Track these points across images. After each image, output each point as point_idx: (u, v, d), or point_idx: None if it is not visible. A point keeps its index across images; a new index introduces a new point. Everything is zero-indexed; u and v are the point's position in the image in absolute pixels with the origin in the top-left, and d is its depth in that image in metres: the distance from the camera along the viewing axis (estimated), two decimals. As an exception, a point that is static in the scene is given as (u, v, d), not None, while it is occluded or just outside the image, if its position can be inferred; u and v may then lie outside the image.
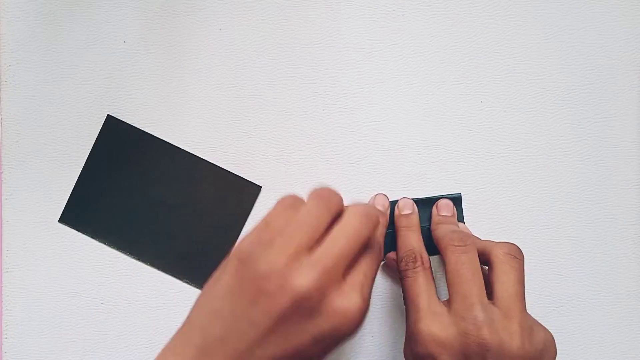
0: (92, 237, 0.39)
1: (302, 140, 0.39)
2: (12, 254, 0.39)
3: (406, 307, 0.33)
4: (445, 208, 0.37)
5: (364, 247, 0.29)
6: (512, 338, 0.29)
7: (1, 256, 0.39)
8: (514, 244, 0.33)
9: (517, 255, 0.32)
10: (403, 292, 0.33)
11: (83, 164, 0.39)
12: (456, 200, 0.38)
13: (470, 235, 0.33)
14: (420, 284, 0.32)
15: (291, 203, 0.30)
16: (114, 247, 0.39)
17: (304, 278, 0.26)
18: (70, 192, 0.39)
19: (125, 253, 0.39)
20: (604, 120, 0.38)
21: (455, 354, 0.29)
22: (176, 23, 0.39)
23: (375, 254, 0.30)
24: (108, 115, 0.39)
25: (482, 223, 0.38)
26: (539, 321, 0.31)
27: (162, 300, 0.38)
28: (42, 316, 0.39)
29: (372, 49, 0.39)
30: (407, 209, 0.37)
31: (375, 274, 0.30)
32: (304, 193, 0.38)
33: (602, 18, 0.39)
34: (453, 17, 0.39)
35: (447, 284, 0.31)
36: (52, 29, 0.39)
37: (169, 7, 0.39)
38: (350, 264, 0.28)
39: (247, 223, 0.38)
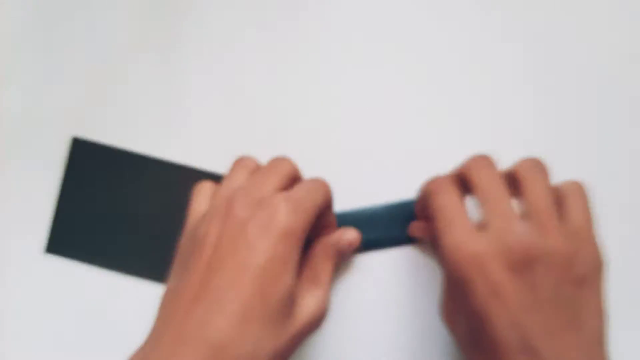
0: (82, 262, 0.39)
1: (302, 140, 0.39)
2: (12, 254, 0.39)
3: (439, 228, 0.30)
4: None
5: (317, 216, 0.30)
6: (556, 241, 0.28)
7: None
8: (534, 158, 0.32)
9: (539, 166, 0.31)
10: (433, 217, 0.31)
11: (58, 190, 0.39)
12: None
13: (490, 157, 0.32)
14: (452, 202, 0.30)
15: (203, 187, 0.33)
16: (105, 268, 0.39)
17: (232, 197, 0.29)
18: (42, 246, 0.39)
19: (119, 271, 0.39)
20: (604, 120, 0.38)
21: (504, 268, 0.27)
22: (176, 23, 0.39)
23: (312, 181, 0.31)
24: (74, 138, 0.39)
25: (482, 223, 0.38)
26: None
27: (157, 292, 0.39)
28: (42, 316, 0.39)
29: (372, 49, 0.39)
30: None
31: (316, 199, 0.30)
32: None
33: (603, 17, 0.39)
34: (453, 17, 0.39)
35: (480, 202, 0.30)
36: (52, 28, 0.39)
37: (168, 7, 0.39)
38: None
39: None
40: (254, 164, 0.32)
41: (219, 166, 0.39)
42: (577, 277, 0.28)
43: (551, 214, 0.29)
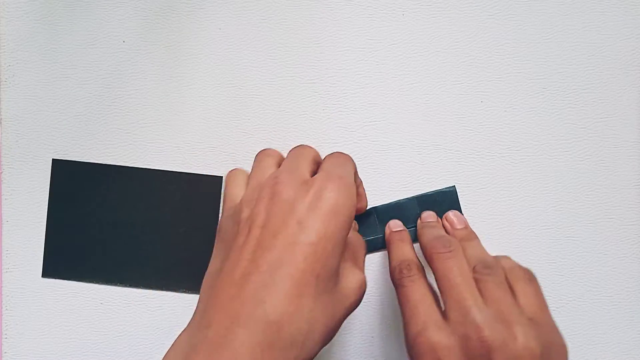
0: (79, 281, 0.38)
1: (302, 140, 0.39)
2: (12, 254, 0.39)
3: (404, 317, 0.31)
4: (428, 217, 0.37)
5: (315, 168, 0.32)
6: (514, 336, 0.28)
7: (1, 256, 0.39)
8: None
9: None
10: (400, 302, 0.32)
11: (46, 213, 0.39)
12: (451, 194, 0.38)
13: (453, 240, 0.32)
14: (418, 293, 0.31)
15: (235, 173, 0.36)
16: (102, 283, 0.38)
17: (270, 179, 0.30)
18: (43, 247, 0.39)
19: (115, 284, 0.38)
20: (604, 120, 0.38)
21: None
22: (176, 23, 0.39)
23: (339, 155, 0.33)
24: (53, 159, 0.39)
25: (482, 223, 0.38)
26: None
27: (162, 300, 0.38)
28: (42, 316, 0.39)
29: (372, 49, 0.39)
30: (398, 227, 0.37)
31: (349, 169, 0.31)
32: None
33: (602, 18, 0.39)
34: (453, 17, 0.39)
35: (440, 292, 0.31)
36: (52, 29, 0.39)
37: (169, 7, 0.39)
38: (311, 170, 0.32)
39: (220, 215, 0.38)
40: (279, 154, 0.34)
41: (209, 169, 0.39)
42: None
43: (510, 305, 0.29)
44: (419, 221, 0.37)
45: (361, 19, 0.39)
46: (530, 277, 0.31)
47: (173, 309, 0.38)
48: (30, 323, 0.39)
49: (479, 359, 0.27)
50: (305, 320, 0.26)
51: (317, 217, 0.27)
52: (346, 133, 0.39)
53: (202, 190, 0.38)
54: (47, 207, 0.39)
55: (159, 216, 0.38)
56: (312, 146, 0.33)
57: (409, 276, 0.32)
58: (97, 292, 0.39)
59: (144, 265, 0.38)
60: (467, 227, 0.36)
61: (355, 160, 0.38)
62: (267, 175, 0.31)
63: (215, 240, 0.31)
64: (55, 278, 0.39)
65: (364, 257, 0.33)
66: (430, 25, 0.39)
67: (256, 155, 0.35)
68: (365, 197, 0.36)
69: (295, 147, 0.33)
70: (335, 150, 0.33)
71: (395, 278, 0.32)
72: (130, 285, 0.38)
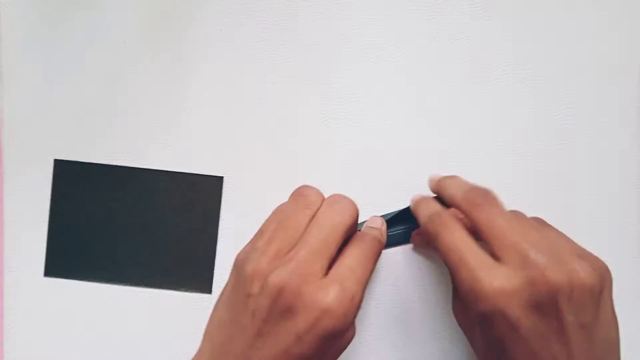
0: (80, 280, 0.39)
1: (302, 140, 0.39)
2: (14, 254, 0.39)
3: (452, 269, 0.29)
4: (447, 176, 0.35)
5: (345, 237, 0.29)
6: (578, 272, 0.27)
7: (3, 256, 0.39)
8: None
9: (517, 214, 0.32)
10: (444, 255, 0.30)
11: (48, 213, 0.39)
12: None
13: (487, 190, 0.31)
14: (460, 238, 0.29)
15: (281, 208, 0.31)
16: (104, 282, 0.39)
17: (277, 275, 0.27)
18: (44, 247, 0.39)
19: (116, 284, 0.39)
20: (604, 121, 0.38)
21: (525, 305, 0.27)
22: (177, 24, 0.39)
23: (365, 245, 0.30)
24: (55, 159, 0.39)
25: (482, 223, 0.38)
26: None
27: (163, 300, 0.39)
28: (44, 315, 0.39)
29: (372, 50, 0.39)
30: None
31: (368, 267, 0.29)
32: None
33: (602, 18, 0.38)
34: (453, 17, 0.39)
35: (488, 241, 0.29)
36: (53, 29, 0.39)
37: (169, 7, 0.39)
38: (332, 256, 0.28)
39: (221, 216, 0.39)
40: (317, 201, 0.31)
41: (209, 169, 0.39)
42: (597, 299, 0.28)
43: (559, 244, 0.29)
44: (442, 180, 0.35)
45: (361, 19, 0.39)
46: (544, 222, 0.32)
47: (173, 309, 0.38)
48: (32, 322, 0.39)
49: (545, 300, 0.27)
50: None
51: (312, 337, 0.27)
52: (346, 133, 0.39)
53: (202, 190, 0.39)
54: (49, 207, 0.39)
55: (159, 216, 0.39)
56: (352, 205, 0.31)
57: (441, 223, 0.30)
58: (98, 292, 0.39)
59: (144, 265, 0.39)
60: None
61: (355, 161, 0.38)
62: (295, 235, 0.29)
63: (231, 276, 0.30)
64: (57, 277, 0.39)
65: (366, 279, 0.31)
66: (430, 25, 0.39)
67: (294, 192, 0.32)
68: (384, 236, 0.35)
69: (331, 202, 0.30)
70: (336, 193, 0.32)
71: (430, 231, 0.31)
72: (132, 284, 0.39)
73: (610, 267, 0.38)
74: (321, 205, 0.30)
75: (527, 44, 0.39)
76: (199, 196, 0.39)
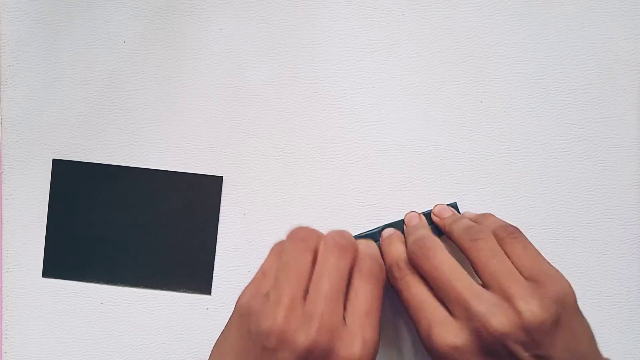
0: (79, 281, 0.39)
1: (302, 140, 0.39)
2: (13, 254, 0.39)
3: (412, 321, 0.31)
4: (444, 211, 0.37)
5: (349, 276, 0.29)
6: (523, 313, 0.28)
7: (1, 256, 0.39)
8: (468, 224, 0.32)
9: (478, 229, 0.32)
10: (405, 308, 0.32)
11: (46, 214, 0.39)
12: (453, 207, 0.38)
13: (427, 236, 0.32)
14: (415, 292, 0.31)
15: (280, 249, 0.31)
16: (102, 283, 0.39)
17: (304, 334, 0.27)
18: (43, 247, 0.39)
19: (116, 284, 0.38)
20: (604, 120, 0.38)
21: (478, 355, 0.28)
22: (176, 23, 0.39)
23: (373, 281, 0.30)
24: (53, 159, 0.39)
25: (482, 223, 0.38)
26: None
27: (162, 300, 0.39)
28: (42, 316, 0.39)
29: (372, 49, 0.39)
30: (389, 233, 0.36)
31: (379, 307, 0.29)
32: (304, 193, 0.38)
33: (602, 18, 0.39)
34: (453, 17, 0.39)
35: (436, 291, 0.31)
36: (52, 29, 0.39)
37: (169, 7, 0.39)
38: (343, 299, 0.29)
39: (220, 216, 0.38)
40: (315, 244, 0.30)
41: (209, 169, 0.39)
42: (551, 329, 0.28)
43: (508, 274, 0.30)
44: (434, 218, 0.37)
45: (361, 19, 0.39)
46: (513, 232, 0.32)
47: (173, 309, 0.38)
48: (30, 323, 0.39)
49: (495, 347, 0.28)
50: None
51: None
52: (346, 133, 0.39)
53: (202, 190, 0.38)
54: (47, 207, 0.39)
55: (159, 216, 0.39)
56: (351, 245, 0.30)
57: (400, 278, 0.32)
58: (97, 292, 0.39)
59: (144, 265, 0.38)
60: (453, 213, 0.37)
61: (355, 161, 0.38)
62: (302, 281, 0.29)
63: (236, 320, 0.30)
64: (56, 278, 0.39)
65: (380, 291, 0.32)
66: (430, 25, 0.39)
67: (291, 234, 0.31)
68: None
69: (332, 246, 0.30)
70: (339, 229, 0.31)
71: (391, 284, 0.33)
72: (130, 285, 0.38)
73: (610, 267, 0.39)
74: (319, 243, 0.30)
75: (527, 43, 0.39)
76: (199, 196, 0.39)
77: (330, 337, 0.27)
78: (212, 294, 0.38)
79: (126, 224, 0.39)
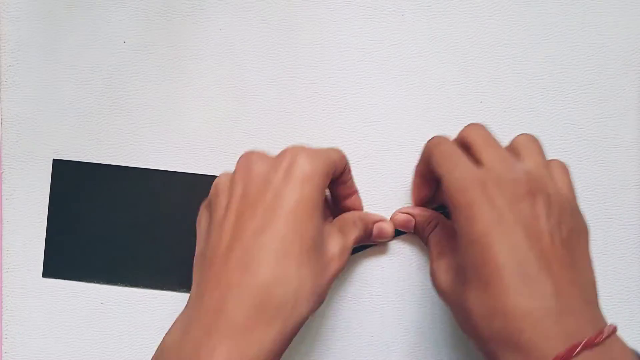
0: (79, 281, 0.39)
1: (302, 140, 0.39)
2: (13, 254, 0.39)
3: (441, 178, 0.31)
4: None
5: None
6: (560, 184, 0.30)
7: (1, 256, 0.39)
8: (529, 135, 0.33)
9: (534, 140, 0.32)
10: (436, 167, 0.32)
11: (46, 214, 0.39)
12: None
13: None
14: (446, 148, 0.32)
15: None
16: (102, 283, 0.39)
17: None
18: (43, 247, 0.39)
19: (116, 284, 0.38)
20: (604, 120, 0.38)
21: (506, 195, 0.28)
22: (176, 23, 0.39)
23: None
24: (53, 159, 0.39)
25: (482, 223, 0.38)
26: None
27: (162, 300, 0.39)
28: (42, 316, 0.39)
29: (372, 49, 0.39)
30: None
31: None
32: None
33: (602, 18, 0.39)
34: (453, 17, 0.39)
35: (478, 155, 0.31)
36: (52, 29, 0.39)
37: (169, 7, 0.39)
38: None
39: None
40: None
41: (209, 169, 0.39)
42: (573, 225, 0.29)
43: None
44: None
45: (361, 19, 0.39)
46: (564, 166, 0.32)
47: (173, 309, 0.38)
48: (30, 323, 0.39)
49: (522, 195, 0.28)
50: (293, 280, 0.27)
51: (292, 185, 0.28)
52: (346, 133, 0.39)
53: (202, 190, 0.38)
54: (47, 207, 0.39)
55: (159, 216, 0.39)
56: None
57: (441, 139, 0.33)
58: (97, 292, 0.39)
59: (144, 265, 0.38)
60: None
61: (355, 160, 0.38)
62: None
63: (197, 231, 0.32)
64: (56, 278, 0.39)
65: (356, 235, 0.33)
66: (430, 25, 0.39)
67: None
68: (357, 198, 0.36)
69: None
70: None
71: (428, 146, 0.34)
72: (130, 285, 0.38)
73: (611, 267, 0.39)
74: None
75: (527, 43, 0.39)
76: (198, 196, 0.38)
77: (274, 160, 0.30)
78: (212, 294, 0.38)
79: (126, 224, 0.39)
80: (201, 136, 0.39)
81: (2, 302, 0.39)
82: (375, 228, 0.36)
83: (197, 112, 0.39)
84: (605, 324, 0.26)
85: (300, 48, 0.39)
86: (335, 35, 0.39)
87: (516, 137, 0.32)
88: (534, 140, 0.32)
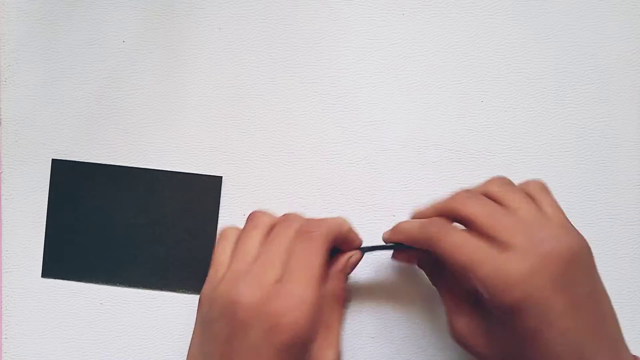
0: (78, 281, 0.38)
1: (302, 140, 0.39)
2: (12, 254, 0.39)
3: (466, 269, 0.28)
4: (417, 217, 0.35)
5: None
6: (576, 234, 0.29)
7: (1, 256, 0.39)
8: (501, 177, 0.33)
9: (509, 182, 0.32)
10: (450, 258, 0.29)
11: (46, 214, 0.39)
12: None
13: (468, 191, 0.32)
14: (462, 237, 0.29)
15: (227, 235, 0.33)
16: (102, 283, 0.38)
17: (235, 291, 0.29)
18: (42, 247, 0.39)
19: (115, 284, 0.38)
20: (604, 120, 0.38)
21: (549, 285, 0.27)
22: (176, 23, 0.39)
23: (304, 239, 0.30)
24: (53, 159, 0.39)
25: (482, 223, 0.38)
26: None
27: (162, 300, 0.38)
28: (42, 316, 0.39)
29: (372, 49, 0.39)
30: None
31: (314, 257, 0.29)
32: (304, 193, 0.38)
33: (602, 18, 0.39)
34: (453, 17, 0.39)
35: (485, 234, 0.29)
36: (52, 29, 0.39)
37: (168, 7, 0.39)
38: (283, 260, 0.30)
39: (220, 216, 0.38)
40: (268, 222, 0.32)
41: (209, 169, 0.39)
42: (592, 264, 0.29)
43: (558, 214, 0.30)
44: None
45: (361, 19, 0.39)
46: (543, 187, 0.32)
47: (173, 309, 0.38)
48: (30, 323, 0.39)
49: (562, 274, 0.27)
50: None
51: (270, 349, 0.28)
52: (346, 133, 0.39)
53: (202, 190, 0.38)
54: (46, 207, 0.39)
55: (159, 216, 0.38)
56: (299, 215, 0.32)
57: (437, 228, 0.30)
58: (97, 292, 0.39)
59: (144, 265, 0.38)
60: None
61: (355, 161, 0.38)
62: (250, 252, 0.31)
63: (196, 316, 0.32)
64: (55, 278, 0.39)
65: (339, 326, 0.33)
66: (430, 25, 0.39)
67: (248, 216, 0.33)
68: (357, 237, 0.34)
69: (281, 223, 0.32)
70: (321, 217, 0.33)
71: (425, 239, 0.31)
72: (130, 285, 0.38)
73: (611, 267, 0.39)
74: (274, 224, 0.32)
75: (527, 43, 0.39)
76: (198, 196, 0.39)
77: (261, 293, 0.28)
78: (211, 294, 0.38)
79: (126, 224, 0.39)
80: (201, 136, 0.39)
81: (1, 302, 0.39)
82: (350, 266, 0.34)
83: (196, 111, 0.39)
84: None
85: (300, 47, 0.39)
86: (335, 34, 0.39)
87: (491, 185, 0.32)
88: (510, 188, 0.32)
